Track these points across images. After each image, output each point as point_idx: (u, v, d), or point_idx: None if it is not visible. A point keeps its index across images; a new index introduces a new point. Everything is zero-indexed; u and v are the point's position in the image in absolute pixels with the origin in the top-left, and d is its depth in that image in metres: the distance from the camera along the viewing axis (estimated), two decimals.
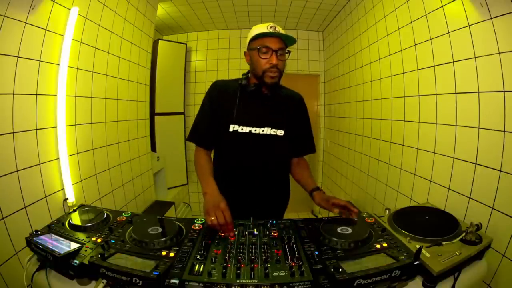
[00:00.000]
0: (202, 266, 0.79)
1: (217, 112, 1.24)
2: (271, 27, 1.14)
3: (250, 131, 1.21)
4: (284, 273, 0.76)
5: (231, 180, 1.26)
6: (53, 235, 0.94)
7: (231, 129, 1.21)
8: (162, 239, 0.91)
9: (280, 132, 1.24)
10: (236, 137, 1.21)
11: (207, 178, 1.15)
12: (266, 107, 1.24)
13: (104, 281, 0.79)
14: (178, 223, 1.02)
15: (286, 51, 1.19)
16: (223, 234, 0.96)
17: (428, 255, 0.85)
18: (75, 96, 1.58)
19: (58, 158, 1.44)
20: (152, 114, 2.95)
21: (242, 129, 1.21)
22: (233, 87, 1.26)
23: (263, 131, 1.22)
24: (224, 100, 1.24)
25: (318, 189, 1.22)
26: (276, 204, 1.36)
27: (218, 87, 1.28)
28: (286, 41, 1.18)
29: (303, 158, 1.39)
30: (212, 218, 0.95)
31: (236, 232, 0.98)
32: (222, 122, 1.23)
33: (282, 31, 1.16)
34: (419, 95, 1.64)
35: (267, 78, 1.16)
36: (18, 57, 1.20)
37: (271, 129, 1.23)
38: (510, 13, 1.05)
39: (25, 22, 1.22)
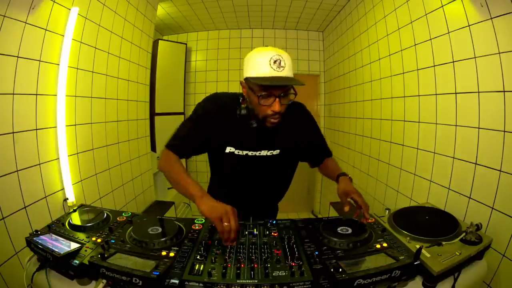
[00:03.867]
0: (202, 266, 0.79)
1: (209, 130, 1.13)
2: (275, 62, 0.93)
3: (246, 154, 1.16)
4: (284, 273, 0.76)
5: (225, 196, 1.20)
6: (53, 235, 0.94)
7: (227, 150, 1.16)
8: (162, 239, 0.90)
9: (276, 152, 1.18)
10: (232, 158, 1.17)
11: (191, 181, 1.03)
12: (264, 132, 1.12)
13: (104, 281, 0.79)
14: (178, 223, 1.02)
15: (291, 91, 1.00)
16: (228, 244, 0.90)
17: (428, 255, 0.85)
18: (75, 96, 1.58)
19: (58, 158, 1.44)
20: (152, 114, 2.94)
21: (238, 152, 1.16)
22: (232, 107, 1.12)
23: (259, 153, 1.17)
24: (221, 119, 1.13)
25: (345, 175, 1.15)
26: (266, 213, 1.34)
27: (216, 106, 1.15)
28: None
29: None
30: (226, 224, 0.88)
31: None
32: (218, 141, 1.15)
33: (287, 59, 0.96)
34: (419, 95, 1.64)
35: (268, 123, 1.04)
36: (18, 57, 1.20)
37: (268, 151, 1.18)
38: (510, 13, 1.05)
39: (25, 22, 1.22)
